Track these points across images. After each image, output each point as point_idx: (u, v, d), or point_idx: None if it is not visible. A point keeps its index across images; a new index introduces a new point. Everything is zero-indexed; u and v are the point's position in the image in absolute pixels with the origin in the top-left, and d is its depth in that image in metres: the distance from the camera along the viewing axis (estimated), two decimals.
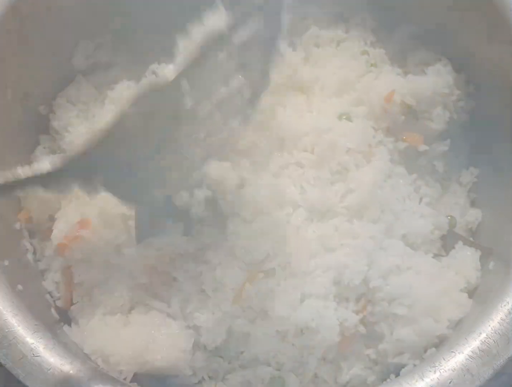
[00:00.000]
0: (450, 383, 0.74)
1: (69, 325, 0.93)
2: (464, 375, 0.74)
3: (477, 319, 0.80)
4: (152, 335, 0.86)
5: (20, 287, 0.86)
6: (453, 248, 1.00)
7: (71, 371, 0.75)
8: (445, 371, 0.75)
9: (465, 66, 1.05)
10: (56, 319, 0.94)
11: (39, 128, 1.09)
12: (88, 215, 0.94)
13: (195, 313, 0.89)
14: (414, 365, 0.85)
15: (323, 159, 0.96)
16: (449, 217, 1.01)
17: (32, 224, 1.01)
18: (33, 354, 0.75)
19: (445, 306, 0.90)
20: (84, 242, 0.92)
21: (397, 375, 0.87)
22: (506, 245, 0.92)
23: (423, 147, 1.02)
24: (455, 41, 1.05)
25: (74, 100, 1.10)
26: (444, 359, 0.76)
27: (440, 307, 0.89)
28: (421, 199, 1.00)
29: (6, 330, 0.77)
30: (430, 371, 0.76)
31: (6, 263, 0.87)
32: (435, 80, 1.01)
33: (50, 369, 0.74)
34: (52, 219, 0.98)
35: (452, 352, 0.77)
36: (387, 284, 0.88)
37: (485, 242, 1.00)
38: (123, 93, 1.05)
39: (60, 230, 0.94)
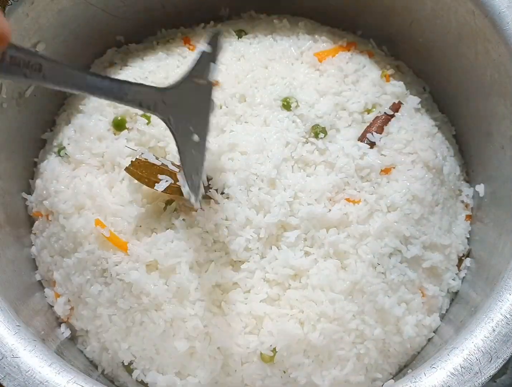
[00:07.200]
0: None
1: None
2: None
3: (461, 335, 0.79)
4: None
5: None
6: None
7: (49, 373, 0.74)
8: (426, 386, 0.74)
9: None
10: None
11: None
12: None
13: None
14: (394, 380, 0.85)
15: None
16: None
17: None
18: (13, 355, 0.75)
19: None
20: None
21: None
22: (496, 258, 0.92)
23: None
24: None
25: None
26: (425, 375, 0.75)
27: None
28: None
29: None
30: (410, 386, 0.75)
31: None
32: None
33: (28, 370, 0.74)
34: None
35: (433, 367, 0.76)
36: None
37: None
38: None
39: None
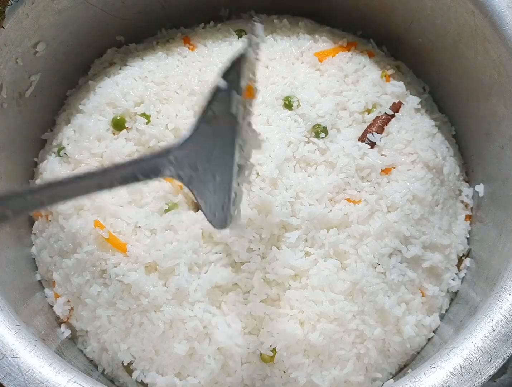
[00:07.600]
0: None
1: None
2: None
3: (460, 334, 0.79)
4: None
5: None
6: None
7: (49, 373, 0.75)
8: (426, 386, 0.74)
9: None
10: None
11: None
12: None
13: None
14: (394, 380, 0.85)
15: None
16: None
17: None
18: (13, 354, 0.75)
19: None
20: None
21: None
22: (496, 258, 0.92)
23: None
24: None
25: None
26: (425, 375, 0.75)
27: None
28: None
29: None
30: (410, 386, 0.75)
31: None
32: None
33: (29, 370, 0.74)
34: None
35: (433, 367, 0.76)
36: None
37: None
38: None
39: None
